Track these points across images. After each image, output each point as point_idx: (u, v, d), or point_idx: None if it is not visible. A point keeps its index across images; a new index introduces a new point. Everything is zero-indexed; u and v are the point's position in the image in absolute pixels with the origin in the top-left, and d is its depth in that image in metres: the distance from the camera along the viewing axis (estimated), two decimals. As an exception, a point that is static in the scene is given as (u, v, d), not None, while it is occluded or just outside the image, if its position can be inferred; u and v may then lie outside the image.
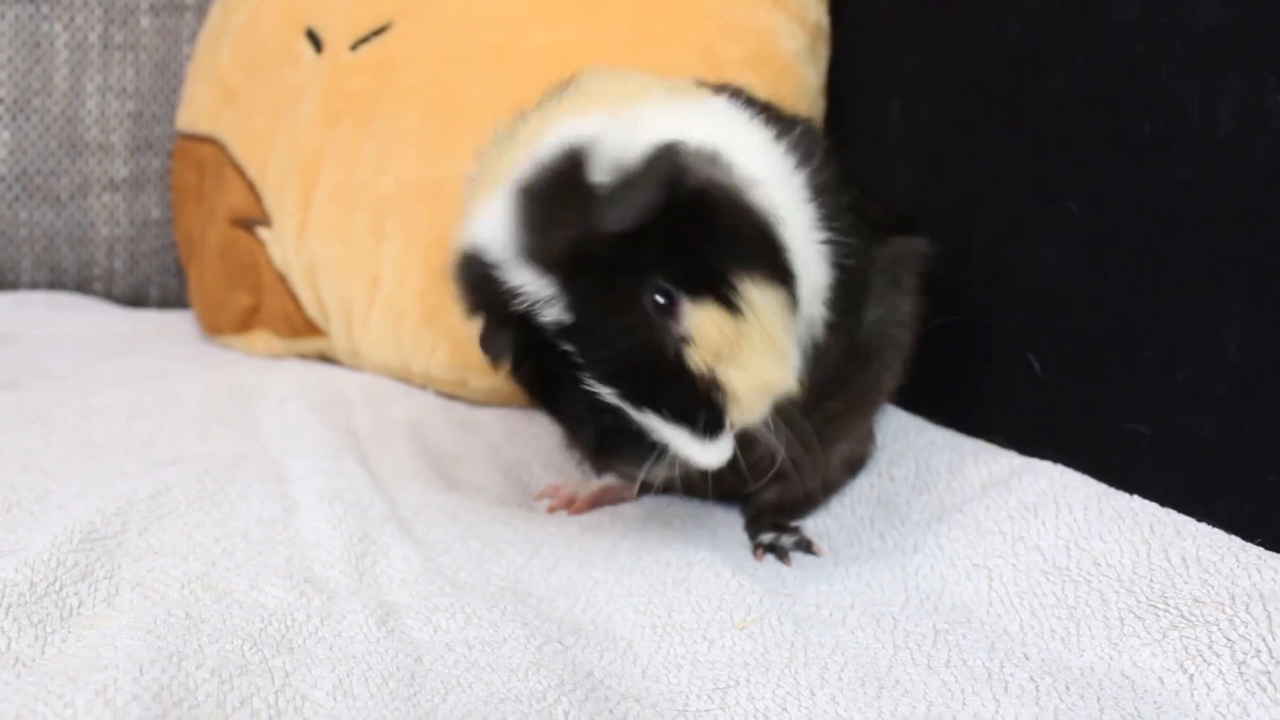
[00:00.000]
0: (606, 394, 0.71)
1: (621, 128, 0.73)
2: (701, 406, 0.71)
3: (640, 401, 0.71)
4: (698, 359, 0.71)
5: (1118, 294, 0.89)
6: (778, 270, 0.73)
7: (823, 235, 0.79)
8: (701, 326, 0.71)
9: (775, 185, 0.76)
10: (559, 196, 0.71)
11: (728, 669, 0.72)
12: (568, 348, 0.71)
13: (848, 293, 0.82)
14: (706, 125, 0.77)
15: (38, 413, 1.04)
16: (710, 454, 0.72)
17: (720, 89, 0.86)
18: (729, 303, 0.71)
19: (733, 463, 0.76)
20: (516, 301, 0.71)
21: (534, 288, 0.71)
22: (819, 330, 0.81)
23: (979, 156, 1.03)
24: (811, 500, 0.94)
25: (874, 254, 0.88)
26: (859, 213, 0.86)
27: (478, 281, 0.74)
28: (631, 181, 0.69)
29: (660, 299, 0.71)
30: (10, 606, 0.69)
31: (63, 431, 1.02)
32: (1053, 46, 0.96)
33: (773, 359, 0.73)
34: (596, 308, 0.70)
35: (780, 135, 0.80)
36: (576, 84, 0.85)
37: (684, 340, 0.71)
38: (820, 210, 0.80)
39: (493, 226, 0.73)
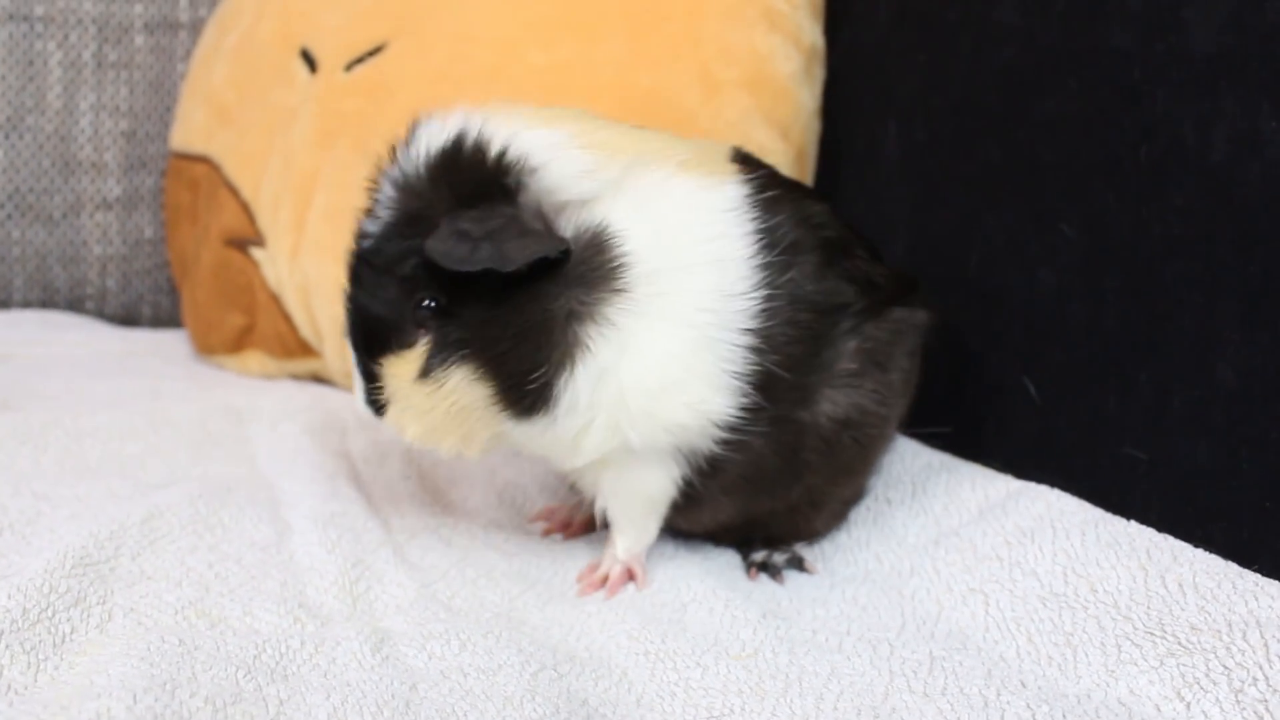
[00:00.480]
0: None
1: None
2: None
3: (355, 348, 0.82)
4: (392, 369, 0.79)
5: (1114, 319, 0.90)
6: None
7: (749, 336, 0.78)
8: (398, 367, 0.78)
9: (677, 321, 0.77)
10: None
11: (722, 697, 0.72)
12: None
13: (778, 390, 0.80)
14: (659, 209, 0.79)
15: (30, 434, 1.04)
16: (358, 401, 0.83)
17: (747, 163, 0.85)
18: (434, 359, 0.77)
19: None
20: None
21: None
22: (717, 434, 0.80)
23: (975, 179, 1.04)
24: (799, 539, 0.93)
25: (844, 337, 0.84)
26: (849, 285, 0.84)
27: None
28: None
29: (428, 304, 0.77)
30: (2, 633, 0.69)
31: (55, 453, 1.02)
32: (1048, 71, 0.97)
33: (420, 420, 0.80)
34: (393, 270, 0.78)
35: (764, 223, 0.80)
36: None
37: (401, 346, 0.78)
38: (764, 304, 0.79)
39: None
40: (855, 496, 0.95)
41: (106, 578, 0.79)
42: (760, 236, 0.80)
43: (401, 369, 0.78)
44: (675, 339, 0.77)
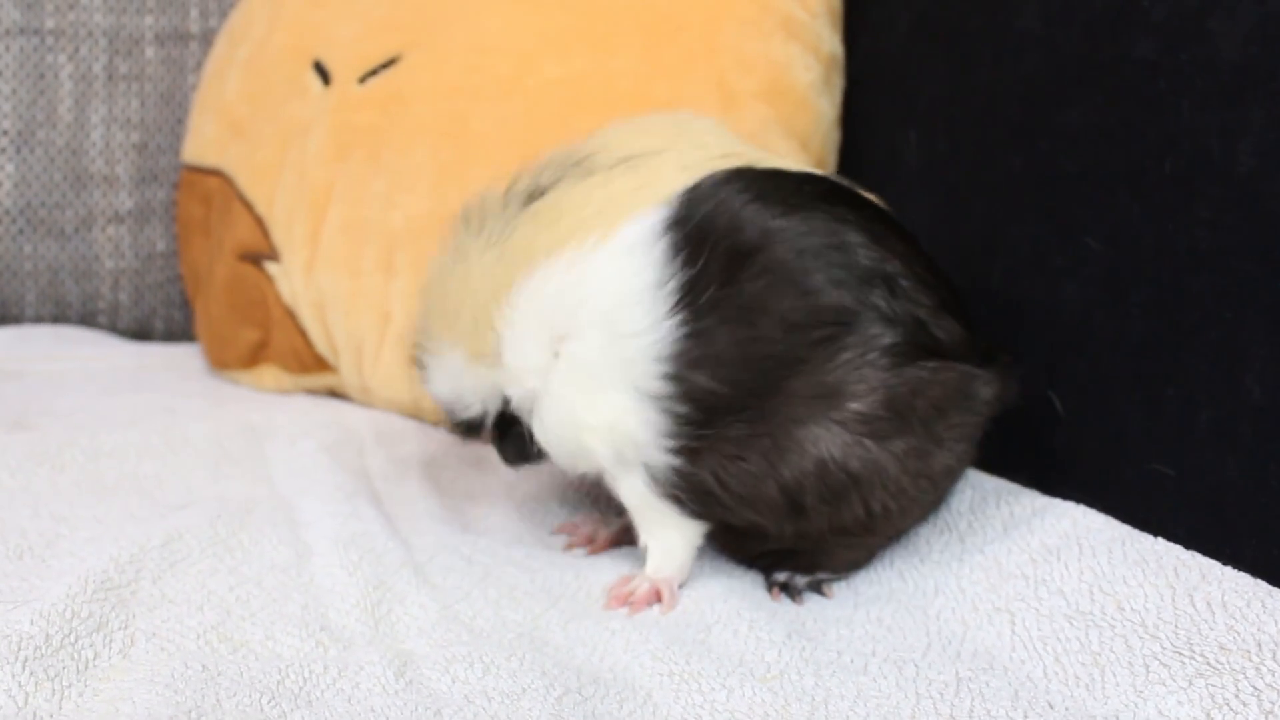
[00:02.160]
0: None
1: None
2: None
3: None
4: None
5: (1139, 332, 0.91)
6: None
7: (663, 359, 0.82)
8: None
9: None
10: None
11: (748, 719, 0.73)
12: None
13: (718, 409, 0.83)
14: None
15: (46, 454, 1.05)
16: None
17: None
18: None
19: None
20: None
21: None
22: (663, 458, 0.85)
23: (997, 190, 1.05)
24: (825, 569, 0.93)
25: (855, 367, 0.81)
26: (868, 311, 0.82)
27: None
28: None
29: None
30: (27, 660, 0.71)
31: (72, 473, 1.04)
32: (1070, 81, 0.98)
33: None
34: None
35: (682, 249, 0.83)
36: (589, 155, 0.90)
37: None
38: (681, 328, 0.82)
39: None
40: (885, 542, 0.93)
41: (128, 602, 0.80)
42: (677, 265, 0.82)
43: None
44: (583, 381, 0.86)
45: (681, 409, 0.83)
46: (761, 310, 0.81)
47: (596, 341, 0.84)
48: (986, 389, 0.86)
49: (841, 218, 0.84)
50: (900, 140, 1.18)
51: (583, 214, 0.86)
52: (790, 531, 0.87)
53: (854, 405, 0.81)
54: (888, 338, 0.82)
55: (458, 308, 0.91)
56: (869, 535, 0.89)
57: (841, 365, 0.81)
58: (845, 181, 0.91)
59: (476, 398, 0.93)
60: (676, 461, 0.84)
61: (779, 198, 0.84)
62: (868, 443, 0.82)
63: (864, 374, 0.81)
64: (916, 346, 0.83)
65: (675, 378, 0.82)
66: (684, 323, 0.82)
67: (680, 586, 0.90)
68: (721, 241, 0.82)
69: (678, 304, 0.82)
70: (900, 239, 0.87)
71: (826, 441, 0.82)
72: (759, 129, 1.20)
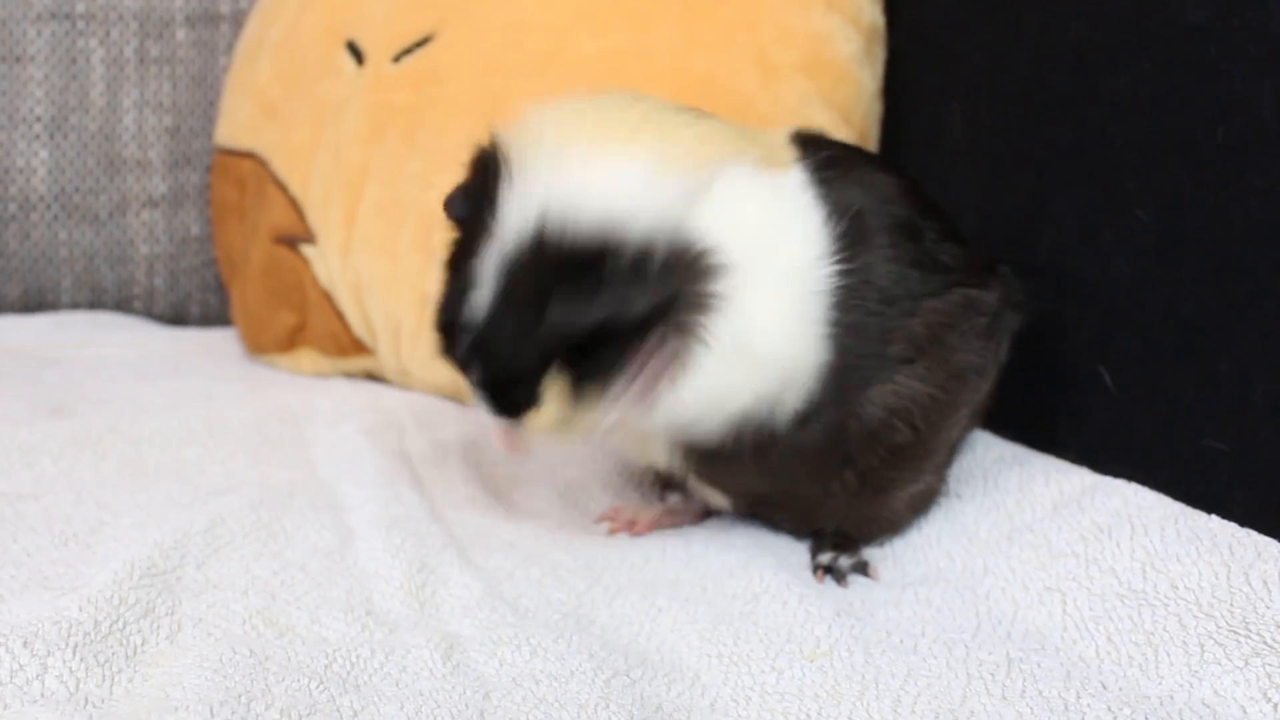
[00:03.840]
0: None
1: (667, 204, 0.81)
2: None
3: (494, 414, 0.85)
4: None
5: (1191, 305, 0.91)
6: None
7: (818, 333, 0.84)
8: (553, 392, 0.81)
9: (766, 302, 0.82)
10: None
11: (798, 701, 0.74)
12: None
13: (836, 380, 0.85)
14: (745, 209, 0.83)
15: (88, 440, 1.07)
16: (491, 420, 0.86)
17: (806, 147, 0.89)
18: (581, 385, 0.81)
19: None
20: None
21: None
22: (777, 421, 0.85)
23: (1044, 161, 1.05)
24: (874, 531, 0.95)
25: (902, 319, 0.87)
26: (913, 268, 0.87)
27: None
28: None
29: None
30: (77, 646, 0.72)
31: (114, 460, 1.06)
32: (1119, 48, 0.97)
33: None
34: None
35: (830, 222, 0.85)
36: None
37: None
38: (833, 303, 0.84)
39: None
40: (925, 494, 0.96)
41: (174, 587, 0.82)
42: (831, 220, 0.85)
43: (544, 415, 0.83)
44: (767, 322, 0.83)
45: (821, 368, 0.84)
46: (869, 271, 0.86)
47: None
48: (989, 296, 0.92)
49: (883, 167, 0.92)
50: (944, 112, 1.18)
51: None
52: (849, 481, 0.90)
53: (893, 351, 0.87)
54: (908, 281, 0.87)
55: None
56: (924, 457, 0.92)
57: (893, 322, 0.87)
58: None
59: None
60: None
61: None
62: (898, 379, 0.87)
63: (901, 324, 0.87)
64: (932, 280, 0.88)
65: (831, 332, 0.84)
66: (844, 269, 0.84)
67: (721, 540, 0.94)
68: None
69: (838, 248, 0.85)
70: (899, 174, 0.93)
71: (873, 394, 0.87)
72: (799, 102, 1.20)
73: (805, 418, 0.86)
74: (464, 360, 0.85)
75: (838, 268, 0.84)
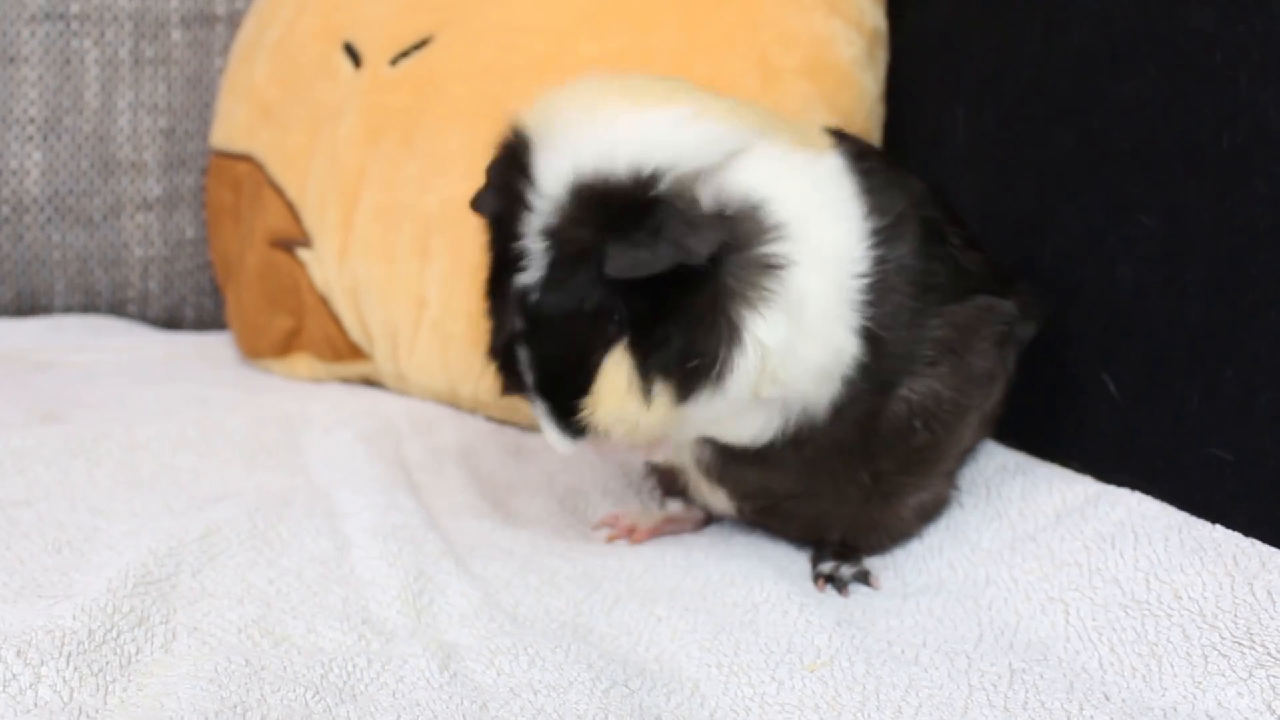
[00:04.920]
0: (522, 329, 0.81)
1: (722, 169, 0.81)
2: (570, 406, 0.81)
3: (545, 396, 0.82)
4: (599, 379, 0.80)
5: (1197, 312, 0.91)
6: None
7: (861, 317, 0.84)
8: (615, 368, 0.79)
9: (817, 272, 0.82)
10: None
11: (798, 712, 0.74)
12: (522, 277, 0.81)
13: (874, 369, 0.85)
14: (800, 187, 0.83)
15: (82, 446, 1.07)
16: (555, 440, 0.84)
17: (840, 138, 0.90)
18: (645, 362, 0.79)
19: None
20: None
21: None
22: (819, 409, 0.85)
23: (1048, 167, 1.05)
24: (880, 540, 0.96)
25: (930, 320, 0.88)
26: (942, 268, 0.88)
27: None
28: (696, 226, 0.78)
29: (616, 319, 0.79)
30: (71, 655, 0.73)
31: (108, 466, 1.06)
32: (1123, 53, 0.98)
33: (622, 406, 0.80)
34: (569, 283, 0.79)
35: (874, 195, 0.86)
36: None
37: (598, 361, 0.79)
38: (873, 289, 0.84)
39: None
40: (933, 503, 0.96)
41: (168, 595, 0.82)
42: (872, 208, 0.86)
43: (607, 395, 0.80)
44: (820, 292, 0.82)
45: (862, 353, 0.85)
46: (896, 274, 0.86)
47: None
48: (1008, 305, 0.93)
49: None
50: (947, 116, 1.19)
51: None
52: (864, 481, 0.90)
53: (921, 350, 0.88)
54: (938, 282, 0.88)
55: None
56: (936, 461, 0.93)
57: (923, 317, 0.87)
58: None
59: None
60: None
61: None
62: (922, 379, 0.88)
63: (928, 322, 0.88)
64: (954, 285, 0.89)
65: (870, 318, 0.84)
66: (882, 258, 0.85)
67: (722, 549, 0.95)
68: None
69: (878, 239, 0.85)
70: (925, 184, 0.93)
71: (902, 390, 0.88)
72: (801, 106, 1.21)
73: (840, 409, 0.86)
74: (519, 347, 0.82)
75: (877, 254, 0.84)
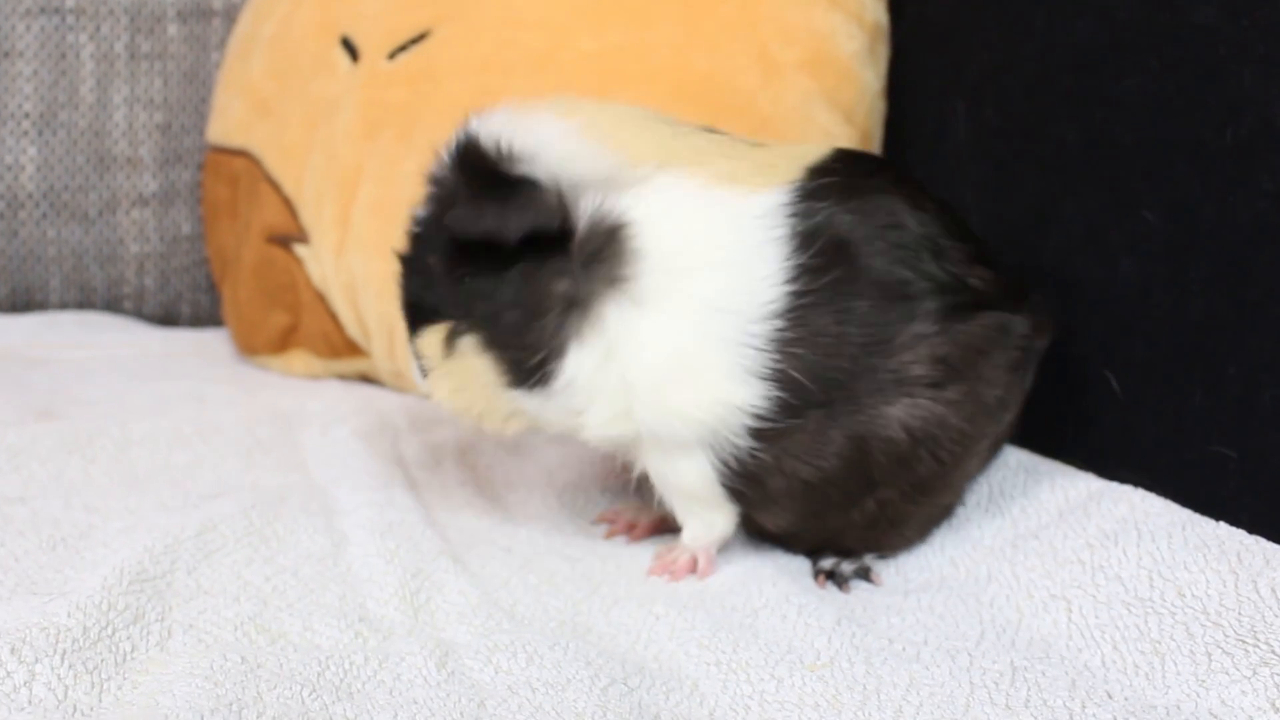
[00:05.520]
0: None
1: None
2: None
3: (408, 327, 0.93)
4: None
5: (1200, 309, 0.91)
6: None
7: (767, 360, 0.84)
8: (429, 338, 0.90)
9: (683, 315, 0.85)
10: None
11: (798, 710, 0.74)
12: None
13: (818, 391, 0.84)
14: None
15: (76, 444, 1.07)
16: (411, 372, 0.94)
17: (821, 171, 0.89)
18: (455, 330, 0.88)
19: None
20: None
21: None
22: (747, 429, 0.85)
23: (1050, 163, 1.05)
24: (882, 550, 0.95)
25: (919, 332, 0.86)
26: (919, 279, 0.86)
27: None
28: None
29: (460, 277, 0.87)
30: (65, 653, 0.72)
31: (103, 463, 1.06)
32: (1126, 47, 0.98)
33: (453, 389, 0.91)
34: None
35: (801, 227, 0.85)
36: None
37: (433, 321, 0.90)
38: (794, 303, 0.84)
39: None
40: (940, 515, 0.96)
41: (164, 593, 0.82)
42: (795, 240, 0.85)
43: (432, 341, 0.90)
44: (682, 334, 0.84)
45: (779, 393, 0.84)
46: (849, 294, 0.85)
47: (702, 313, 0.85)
48: (1021, 324, 0.90)
49: (887, 190, 0.89)
50: (948, 112, 1.19)
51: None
52: (869, 509, 0.89)
53: (916, 371, 0.86)
54: (936, 301, 0.86)
55: None
56: (944, 490, 0.92)
57: (905, 336, 0.85)
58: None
59: None
60: (755, 446, 0.86)
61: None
62: (924, 402, 0.86)
63: (922, 341, 0.86)
64: (959, 302, 0.87)
65: (781, 359, 0.84)
66: (792, 307, 0.84)
67: (720, 553, 0.93)
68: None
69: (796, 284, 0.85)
70: (928, 196, 0.91)
71: (897, 414, 0.86)
72: (801, 101, 1.21)
73: (789, 445, 0.85)
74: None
75: (797, 290, 0.84)
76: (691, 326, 0.84)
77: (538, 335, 0.85)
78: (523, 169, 0.84)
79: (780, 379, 0.84)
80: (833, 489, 0.88)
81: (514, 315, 0.85)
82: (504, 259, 0.85)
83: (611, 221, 0.84)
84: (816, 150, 0.91)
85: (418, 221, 0.91)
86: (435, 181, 0.89)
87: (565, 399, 0.87)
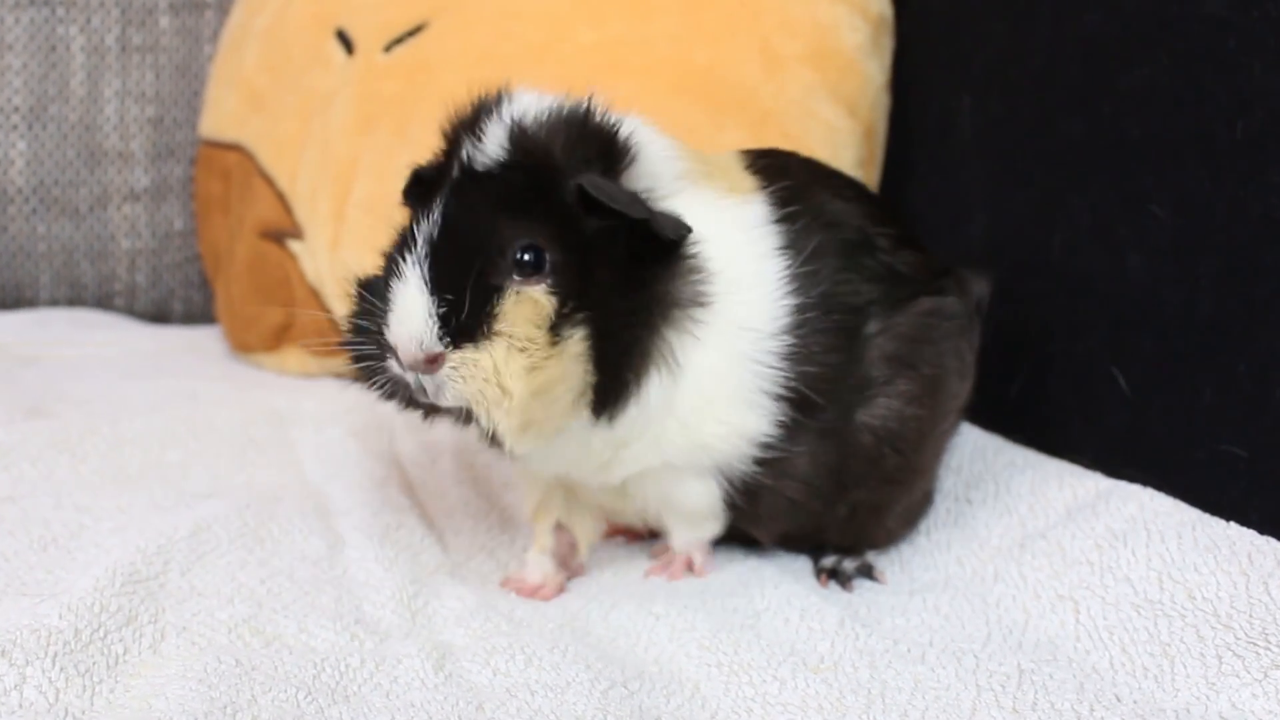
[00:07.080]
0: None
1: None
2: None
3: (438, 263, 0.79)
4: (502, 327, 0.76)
5: (1209, 305, 0.91)
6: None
7: (785, 352, 0.82)
8: (526, 306, 0.76)
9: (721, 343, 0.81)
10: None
11: (801, 713, 0.74)
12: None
13: (816, 405, 0.84)
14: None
15: (67, 442, 1.07)
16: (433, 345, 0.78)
17: (764, 167, 0.88)
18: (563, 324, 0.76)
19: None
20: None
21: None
22: (755, 455, 0.84)
23: (1057, 157, 1.05)
24: (872, 545, 0.95)
25: (869, 338, 0.86)
26: (865, 283, 0.86)
27: None
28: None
29: (527, 257, 0.76)
30: (56, 655, 0.72)
31: (94, 462, 1.06)
32: (1135, 40, 0.98)
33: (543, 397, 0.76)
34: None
35: (789, 235, 0.84)
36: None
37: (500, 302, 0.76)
38: (797, 316, 0.83)
39: None
40: (921, 501, 0.96)
41: (156, 595, 0.82)
42: (788, 249, 0.84)
43: (534, 310, 0.76)
44: (718, 354, 0.81)
45: (787, 413, 0.83)
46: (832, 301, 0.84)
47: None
48: (953, 304, 0.91)
49: (817, 183, 0.90)
50: (954, 105, 1.18)
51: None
52: (843, 512, 0.89)
53: (874, 372, 0.86)
54: (877, 295, 0.86)
55: None
56: (913, 477, 0.92)
57: (861, 338, 0.86)
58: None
59: None
60: (758, 471, 0.85)
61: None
62: (882, 400, 0.87)
63: (872, 342, 0.86)
64: (893, 293, 0.87)
65: (793, 376, 0.83)
66: (796, 322, 0.83)
67: (721, 554, 0.93)
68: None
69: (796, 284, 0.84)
70: (832, 191, 0.90)
71: (863, 418, 0.86)
72: (804, 94, 1.20)
73: (795, 458, 0.85)
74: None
75: (794, 287, 0.83)
76: (725, 344, 0.81)
77: (633, 358, 0.78)
78: (630, 157, 0.80)
79: (790, 397, 0.83)
80: (816, 500, 0.88)
81: (625, 329, 0.77)
82: (614, 255, 0.77)
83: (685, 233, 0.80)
84: (726, 154, 0.90)
85: (485, 164, 0.80)
86: (520, 134, 0.79)
87: (622, 429, 0.80)
